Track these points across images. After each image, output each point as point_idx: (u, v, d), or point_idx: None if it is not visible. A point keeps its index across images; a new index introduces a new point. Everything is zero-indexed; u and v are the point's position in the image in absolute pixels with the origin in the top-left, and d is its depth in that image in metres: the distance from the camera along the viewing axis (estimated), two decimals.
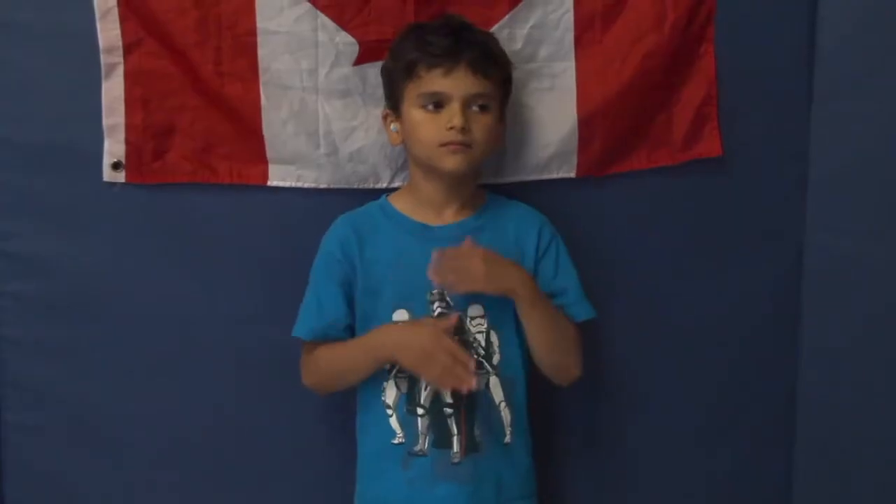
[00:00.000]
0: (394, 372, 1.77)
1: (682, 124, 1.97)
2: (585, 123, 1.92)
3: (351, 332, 1.81)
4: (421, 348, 1.69)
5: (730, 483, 2.11)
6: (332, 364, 1.80)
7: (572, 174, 1.94)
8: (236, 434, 1.99)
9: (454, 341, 1.69)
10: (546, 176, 1.94)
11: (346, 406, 1.87)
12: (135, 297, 1.94)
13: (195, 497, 2.01)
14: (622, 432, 2.07)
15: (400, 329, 1.76)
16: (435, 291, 1.77)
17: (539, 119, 1.92)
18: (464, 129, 1.72)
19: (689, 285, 2.05)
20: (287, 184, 1.91)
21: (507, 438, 1.80)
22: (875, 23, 1.92)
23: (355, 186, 1.91)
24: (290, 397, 1.95)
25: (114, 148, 1.88)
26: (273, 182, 1.91)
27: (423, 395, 1.77)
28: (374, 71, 1.87)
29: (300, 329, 1.82)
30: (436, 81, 1.73)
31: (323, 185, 1.91)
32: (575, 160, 1.94)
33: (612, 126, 1.94)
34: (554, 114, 1.92)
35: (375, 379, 1.78)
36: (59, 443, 1.98)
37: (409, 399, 1.77)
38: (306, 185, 1.91)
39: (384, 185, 1.91)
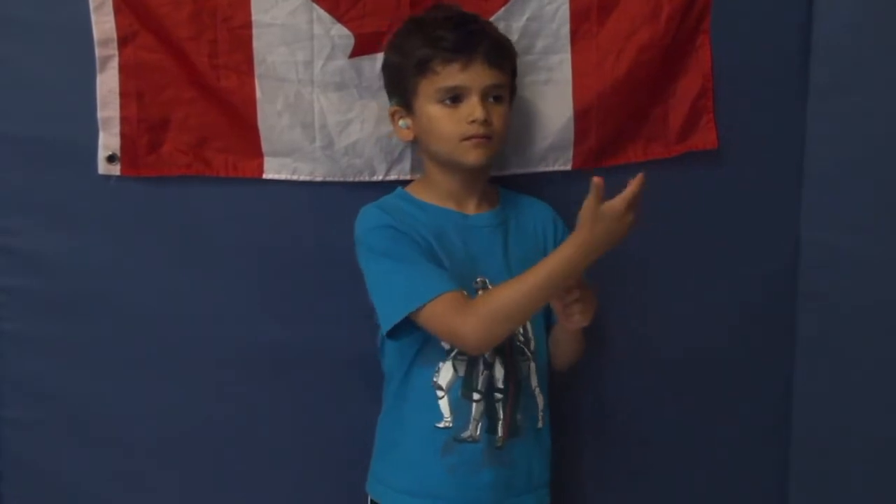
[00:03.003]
0: (454, 353, 1.73)
1: (678, 117, 1.98)
2: (581, 116, 1.92)
3: None
4: (605, 229, 1.57)
5: (725, 480, 2.11)
6: (519, 293, 1.62)
7: (568, 166, 1.95)
8: (236, 429, 1.98)
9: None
10: (543, 168, 1.95)
11: (346, 403, 1.88)
12: (132, 291, 1.93)
13: (195, 495, 2.00)
14: (614, 430, 2.07)
15: (571, 241, 1.61)
16: (479, 279, 1.76)
17: (535, 111, 1.93)
18: (486, 122, 1.72)
19: (684, 280, 2.04)
20: (282, 177, 1.90)
21: (540, 423, 1.81)
22: (872, 17, 1.93)
23: (351, 179, 1.90)
24: (290, 391, 1.96)
25: (109, 141, 1.87)
26: (268, 175, 1.90)
27: (480, 380, 1.75)
28: (369, 63, 1.87)
29: (432, 288, 1.66)
30: (453, 76, 1.72)
31: (318, 178, 1.90)
32: (571, 152, 1.94)
33: (608, 118, 1.94)
34: (550, 106, 1.93)
35: (426, 359, 1.72)
36: (58, 439, 1.97)
37: (465, 383, 1.74)
38: (302, 178, 1.90)
39: (380, 178, 1.91)
